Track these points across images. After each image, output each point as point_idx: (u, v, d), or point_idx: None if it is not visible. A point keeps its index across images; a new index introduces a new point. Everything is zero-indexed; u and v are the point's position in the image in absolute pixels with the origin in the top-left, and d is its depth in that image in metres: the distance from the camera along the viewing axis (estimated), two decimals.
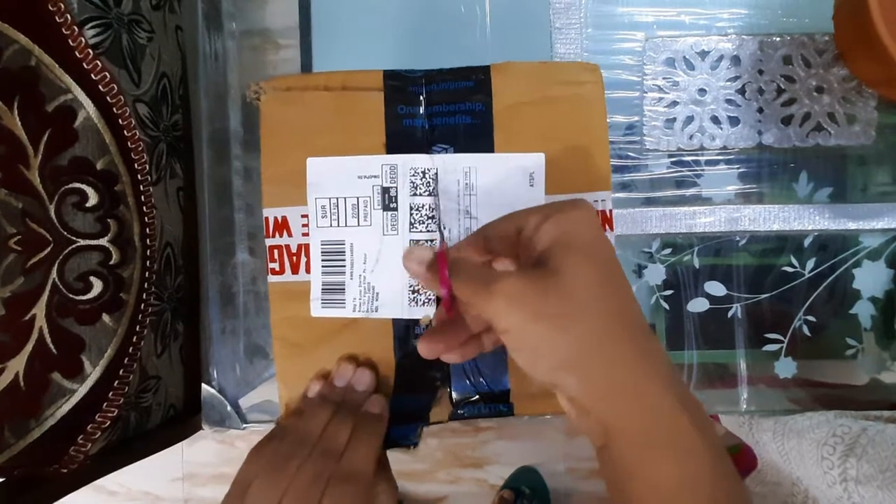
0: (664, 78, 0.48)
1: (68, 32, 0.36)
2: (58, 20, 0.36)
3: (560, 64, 0.46)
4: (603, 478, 0.28)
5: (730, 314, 0.49)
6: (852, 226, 0.47)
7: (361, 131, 0.41)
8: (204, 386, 0.46)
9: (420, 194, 0.41)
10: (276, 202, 0.42)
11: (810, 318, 0.48)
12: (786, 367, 0.49)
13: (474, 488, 1.20)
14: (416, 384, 0.41)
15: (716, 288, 0.49)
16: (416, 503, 1.21)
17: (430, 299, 0.41)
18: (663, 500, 0.26)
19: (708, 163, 0.48)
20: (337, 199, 0.41)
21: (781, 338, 0.49)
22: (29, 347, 0.36)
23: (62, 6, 0.36)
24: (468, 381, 0.41)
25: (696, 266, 0.49)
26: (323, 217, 0.41)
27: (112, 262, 0.39)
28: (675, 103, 0.48)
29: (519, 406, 0.41)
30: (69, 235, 0.37)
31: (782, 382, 0.49)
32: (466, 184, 0.41)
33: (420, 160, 0.41)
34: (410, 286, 0.41)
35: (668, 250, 0.49)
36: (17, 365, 0.36)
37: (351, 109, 0.41)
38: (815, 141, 0.47)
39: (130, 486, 1.25)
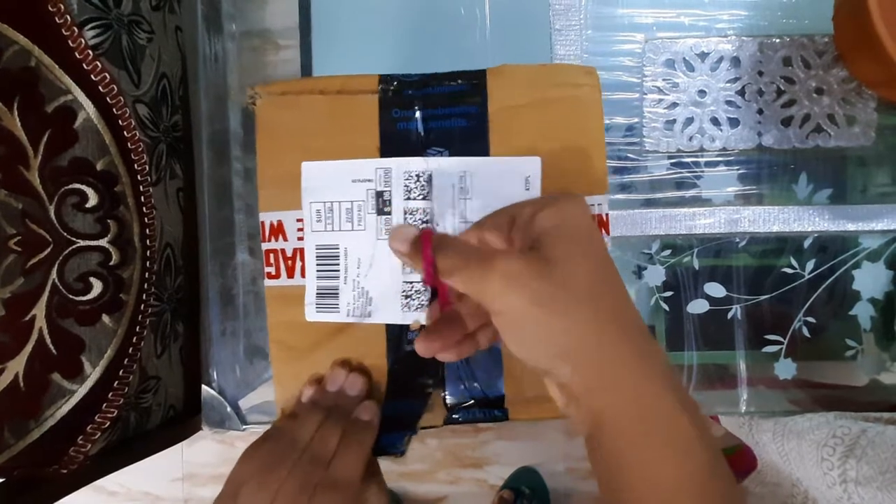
0: (664, 79, 0.48)
1: (68, 33, 0.36)
2: (58, 21, 0.36)
3: (557, 66, 0.46)
4: (591, 463, 0.28)
5: (729, 315, 0.49)
6: (852, 227, 0.47)
7: (356, 135, 0.41)
8: (204, 387, 0.46)
9: (414, 198, 0.40)
10: (272, 206, 0.41)
11: (810, 319, 0.48)
12: (785, 369, 0.49)
13: (474, 488, 1.20)
14: (408, 390, 0.41)
15: (715, 289, 0.49)
16: (415, 503, 1.21)
17: (423, 304, 0.40)
18: (662, 500, 0.26)
19: (708, 164, 0.48)
20: (331, 203, 0.40)
21: (781, 339, 0.49)
22: (29, 348, 0.36)
23: (62, 7, 0.36)
24: (463, 386, 0.41)
25: (696, 267, 0.49)
26: (318, 221, 0.41)
27: (112, 263, 0.39)
28: (674, 105, 0.48)
29: (514, 411, 0.41)
30: (69, 236, 0.37)
31: (782, 383, 0.49)
32: (461, 187, 0.40)
33: (414, 163, 0.40)
34: (403, 291, 0.41)
35: (668, 252, 0.49)
36: (17, 365, 0.36)
37: (346, 113, 0.41)
38: (815, 142, 0.47)
39: (130, 486, 1.25)
